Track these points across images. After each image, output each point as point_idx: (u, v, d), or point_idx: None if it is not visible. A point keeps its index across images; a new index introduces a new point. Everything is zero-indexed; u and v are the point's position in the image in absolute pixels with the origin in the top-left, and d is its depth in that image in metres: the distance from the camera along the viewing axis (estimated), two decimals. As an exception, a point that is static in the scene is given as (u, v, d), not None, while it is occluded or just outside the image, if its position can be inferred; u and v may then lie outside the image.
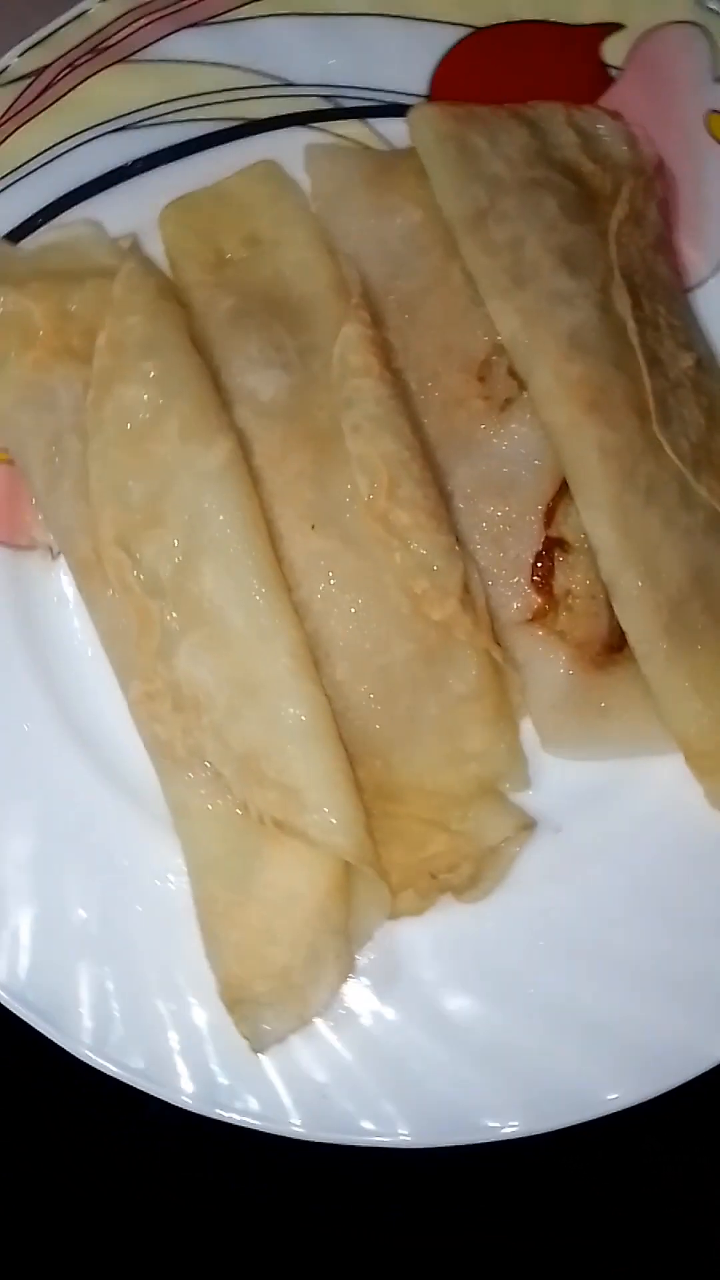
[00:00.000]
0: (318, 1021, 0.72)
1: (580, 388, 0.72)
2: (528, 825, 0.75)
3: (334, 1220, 0.82)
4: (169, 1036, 0.73)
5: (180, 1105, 0.73)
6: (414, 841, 0.73)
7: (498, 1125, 0.72)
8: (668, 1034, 0.72)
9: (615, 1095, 0.72)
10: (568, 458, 0.73)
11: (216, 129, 0.80)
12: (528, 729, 0.77)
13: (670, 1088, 0.73)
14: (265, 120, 0.80)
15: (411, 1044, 0.73)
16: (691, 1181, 0.83)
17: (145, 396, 0.73)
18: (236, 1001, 0.69)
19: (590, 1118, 0.73)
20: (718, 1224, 0.82)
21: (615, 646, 0.76)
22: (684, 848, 0.75)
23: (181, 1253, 0.83)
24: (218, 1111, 0.72)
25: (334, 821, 0.69)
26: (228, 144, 0.80)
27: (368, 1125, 0.72)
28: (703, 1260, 0.82)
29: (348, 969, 0.71)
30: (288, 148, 0.80)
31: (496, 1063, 0.73)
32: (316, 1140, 0.73)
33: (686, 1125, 0.82)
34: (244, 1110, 0.72)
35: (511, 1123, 0.72)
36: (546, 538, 0.76)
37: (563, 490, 0.75)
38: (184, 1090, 0.73)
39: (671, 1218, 0.82)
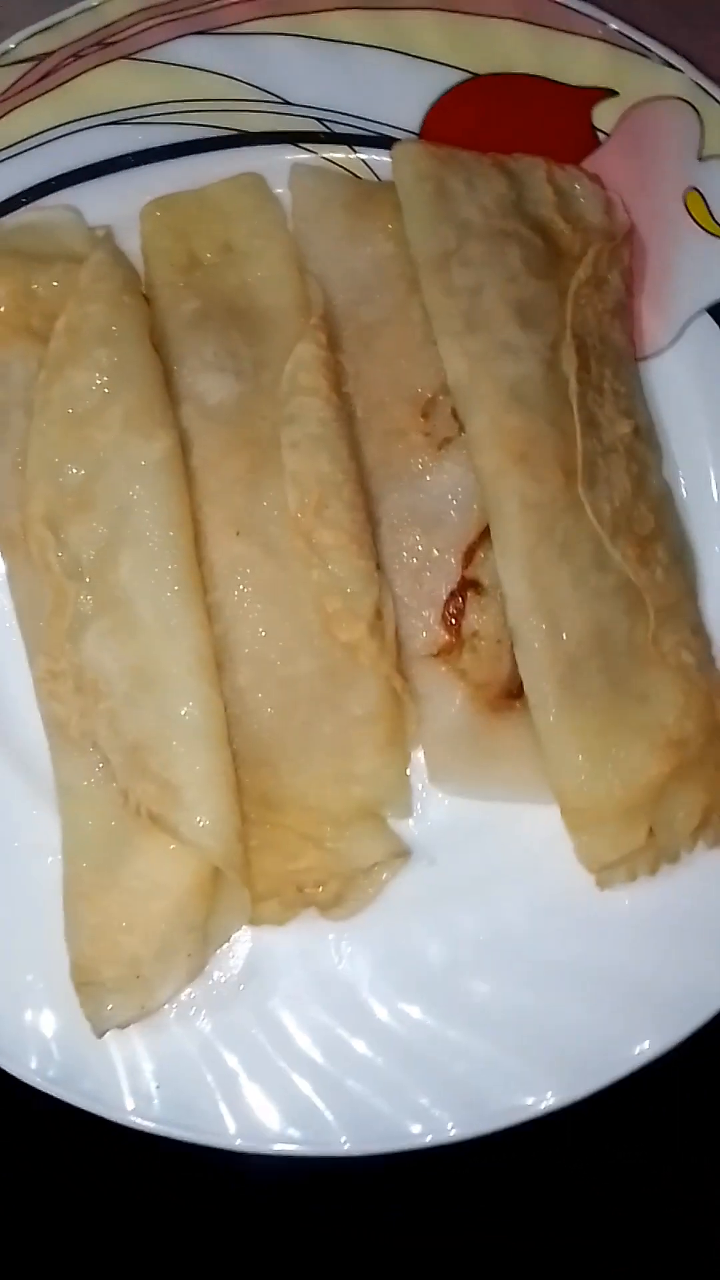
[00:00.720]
0: (166, 1013, 0.73)
1: (512, 438, 0.74)
2: (401, 853, 0.76)
3: (333, 1220, 0.84)
4: (13, 1005, 0.74)
5: (29, 1082, 0.74)
6: (287, 852, 0.75)
7: (322, 1143, 0.73)
8: (497, 1075, 0.74)
9: (447, 1127, 0.74)
10: (490, 504, 0.75)
11: (209, 135, 0.82)
12: (421, 760, 0.79)
13: (488, 1131, 0.74)
14: (257, 134, 0.82)
15: (250, 1049, 0.74)
16: (691, 1181, 0.84)
17: (94, 383, 0.75)
18: (84, 984, 0.71)
19: (414, 1146, 0.74)
20: (717, 1224, 0.84)
21: (514, 693, 0.77)
22: (549, 897, 0.76)
23: (180, 1252, 0.84)
24: (60, 1091, 0.74)
25: (205, 823, 0.71)
26: (218, 151, 0.82)
27: (198, 1123, 0.73)
28: (702, 1260, 0.84)
29: (199, 967, 0.73)
30: (275, 164, 0.82)
31: (328, 1080, 0.74)
32: (150, 1132, 0.74)
33: (686, 1125, 0.84)
34: (77, 1090, 0.73)
35: (340, 1145, 0.74)
36: (462, 577, 0.78)
37: (485, 534, 0.77)
38: (32, 1067, 0.74)
39: (671, 1218, 0.84)
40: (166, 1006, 0.73)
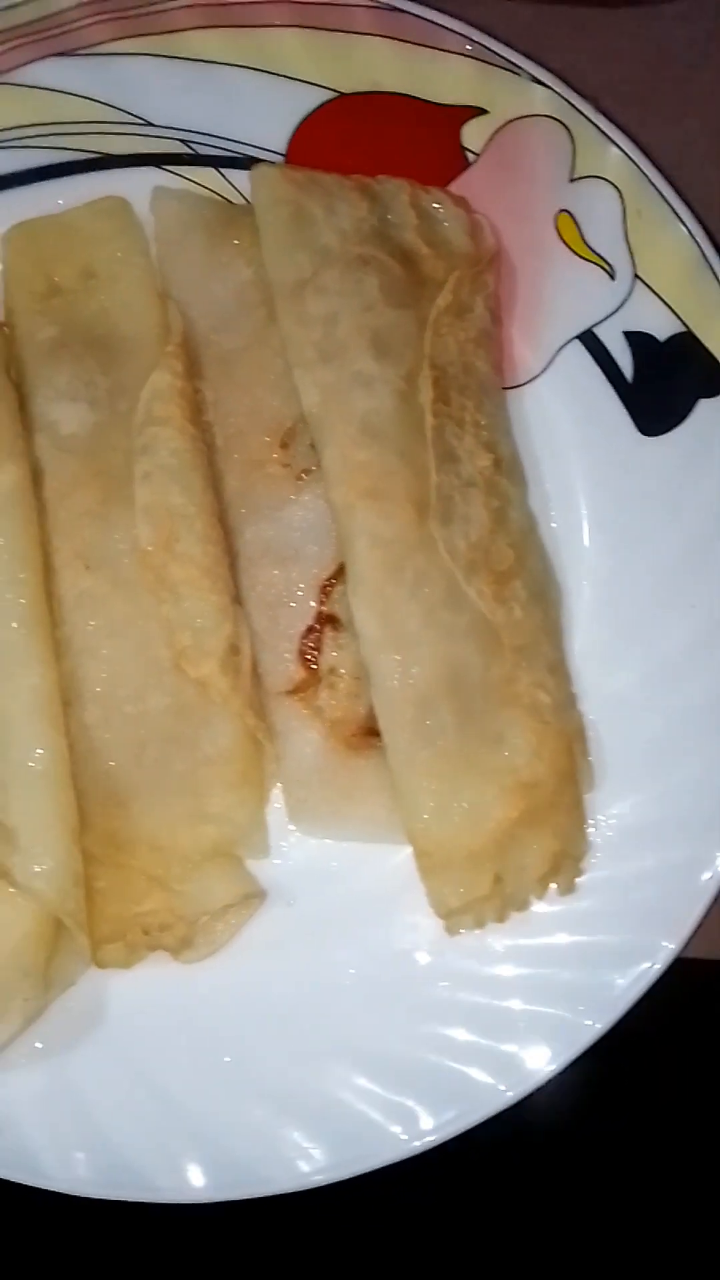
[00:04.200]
0: (5, 1057, 0.72)
1: (361, 473, 0.72)
2: (255, 894, 0.75)
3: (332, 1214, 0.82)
4: None
5: None
6: (132, 895, 0.73)
7: (172, 1185, 0.73)
8: (355, 1115, 0.73)
9: (306, 1168, 0.73)
10: (342, 540, 0.73)
11: (71, 159, 0.80)
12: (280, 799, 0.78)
13: (364, 1170, 0.73)
14: (121, 156, 0.80)
15: (95, 1092, 0.73)
16: (690, 1178, 0.84)
17: (-58, 415, 0.74)
18: None
19: (276, 1191, 0.74)
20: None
21: (373, 731, 0.75)
22: (406, 939, 0.75)
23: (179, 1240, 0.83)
24: None
25: (39, 868, 0.69)
26: (83, 175, 0.80)
27: (40, 1167, 0.72)
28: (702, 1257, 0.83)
29: (37, 1011, 0.71)
30: (140, 187, 0.80)
31: (177, 1121, 0.73)
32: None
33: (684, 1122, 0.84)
34: None
35: (192, 1181, 0.73)
36: (320, 612, 0.76)
37: (343, 569, 0.75)
38: None
39: (670, 1218, 0.84)
40: (5, 1051, 0.72)
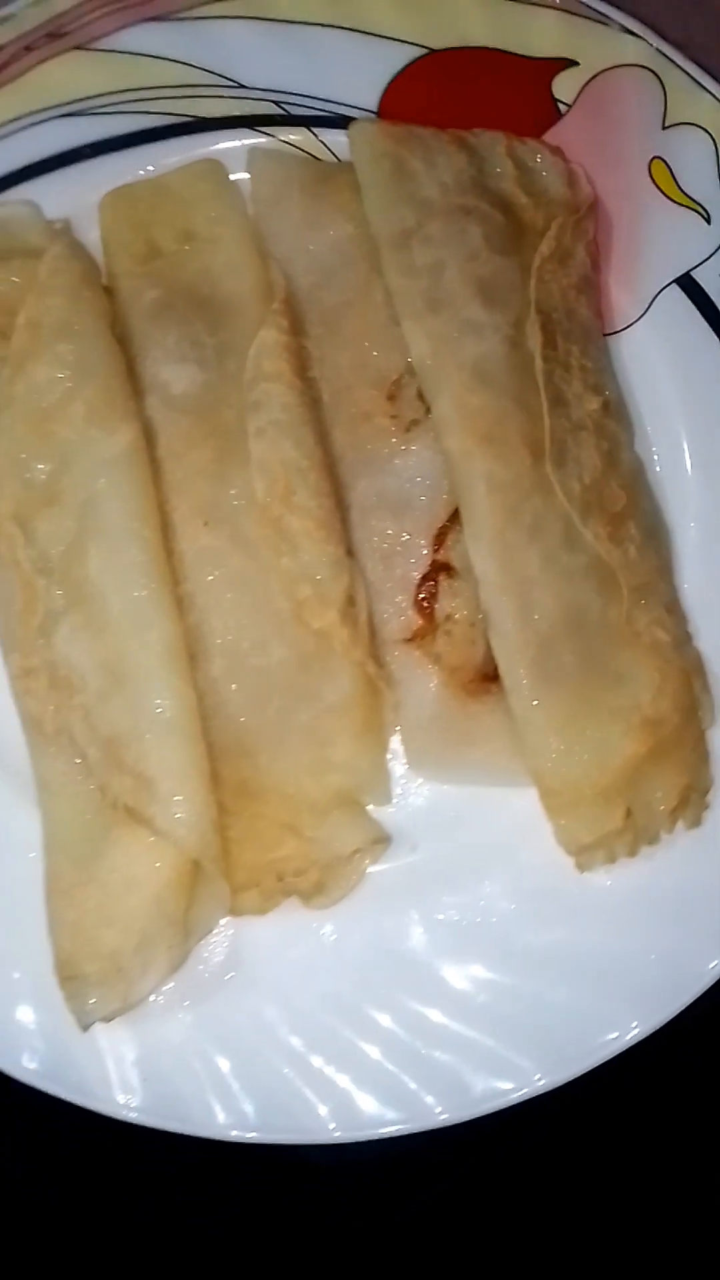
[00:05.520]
0: (151, 1005, 0.73)
1: (476, 419, 0.73)
2: (381, 839, 0.76)
3: (321, 1207, 0.84)
4: (13, 1008, 0.74)
5: (17, 1077, 0.74)
6: (266, 842, 0.75)
7: (320, 1126, 0.74)
8: (483, 1060, 0.74)
9: (408, 1119, 0.74)
10: (458, 486, 0.74)
11: (166, 123, 0.81)
12: (398, 747, 0.78)
13: (480, 1114, 0.75)
14: (214, 119, 0.81)
15: (236, 1038, 0.74)
16: (680, 1169, 0.85)
17: (56, 378, 0.75)
18: (67, 979, 0.71)
19: (407, 1132, 0.75)
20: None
21: (490, 676, 0.77)
22: (530, 880, 0.76)
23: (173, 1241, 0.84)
24: (48, 1085, 0.74)
25: (180, 815, 0.71)
26: (175, 139, 0.81)
27: (187, 1113, 0.74)
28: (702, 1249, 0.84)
29: (180, 958, 0.73)
30: (233, 149, 0.81)
31: (312, 1069, 0.74)
32: (147, 1125, 0.74)
33: (675, 1111, 0.85)
34: (65, 1084, 0.73)
35: (330, 1132, 0.74)
36: (434, 561, 0.77)
37: (455, 516, 0.76)
38: (20, 1062, 0.74)
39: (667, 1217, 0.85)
40: (151, 998, 0.73)
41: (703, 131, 0.79)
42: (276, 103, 0.81)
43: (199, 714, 0.74)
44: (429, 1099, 0.74)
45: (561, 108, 0.80)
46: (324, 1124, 0.74)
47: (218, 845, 0.72)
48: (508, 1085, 0.73)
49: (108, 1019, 0.71)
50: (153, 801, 0.71)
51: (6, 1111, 0.83)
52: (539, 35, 0.79)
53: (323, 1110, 0.74)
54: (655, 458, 0.80)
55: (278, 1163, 0.82)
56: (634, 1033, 0.73)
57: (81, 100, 0.81)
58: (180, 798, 0.71)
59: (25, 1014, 0.75)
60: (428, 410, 0.76)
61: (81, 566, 0.74)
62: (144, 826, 0.71)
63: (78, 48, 0.80)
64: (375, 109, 0.81)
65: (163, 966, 0.71)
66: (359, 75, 0.80)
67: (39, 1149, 0.85)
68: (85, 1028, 0.71)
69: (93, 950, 0.71)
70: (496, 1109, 0.74)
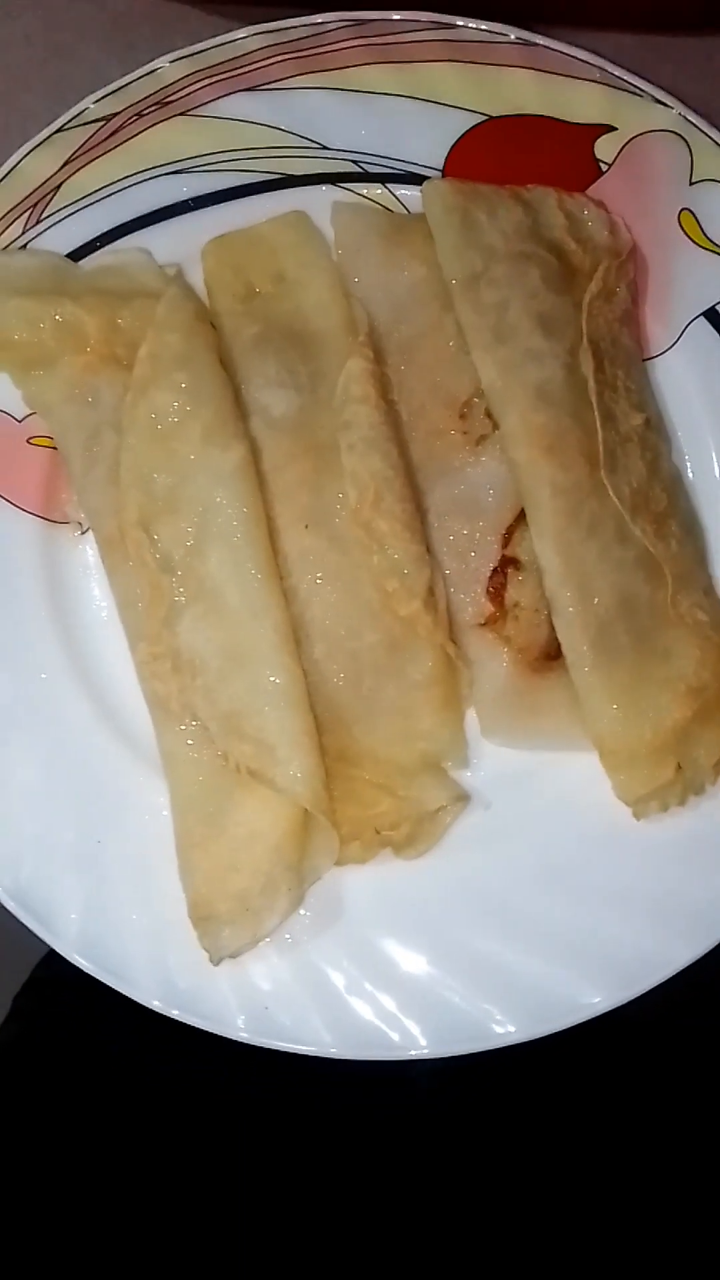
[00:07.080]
0: (266, 943, 0.85)
1: (541, 434, 0.85)
2: (462, 797, 0.88)
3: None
4: (141, 944, 0.86)
5: (145, 1004, 0.86)
6: (365, 801, 0.86)
7: (406, 1047, 0.85)
8: (554, 984, 0.86)
9: (512, 1029, 0.85)
10: (525, 491, 0.86)
11: (258, 180, 0.93)
12: (472, 717, 0.90)
13: (548, 1032, 0.86)
14: (300, 176, 0.93)
15: (340, 971, 0.86)
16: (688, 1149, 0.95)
17: (175, 403, 0.86)
18: (201, 919, 0.82)
19: (489, 1047, 0.86)
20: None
21: (552, 655, 0.89)
22: (591, 829, 0.88)
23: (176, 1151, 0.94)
24: (175, 1013, 0.85)
25: (298, 775, 0.82)
26: (266, 194, 0.93)
27: (300, 1035, 0.85)
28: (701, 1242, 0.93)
29: (298, 900, 0.84)
30: (317, 202, 0.93)
31: (408, 994, 0.86)
32: (257, 1045, 0.85)
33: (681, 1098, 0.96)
34: (198, 1013, 0.85)
35: (422, 1048, 0.85)
36: (503, 556, 0.89)
37: (520, 517, 0.88)
38: (150, 991, 0.86)
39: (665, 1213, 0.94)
40: (267, 940, 0.84)
41: (724, 186, 0.92)
42: (355, 162, 0.93)
43: (306, 689, 0.85)
44: (509, 1017, 0.85)
45: (603, 166, 0.93)
46: (417, 1041, 0.85)
47: (328, 801, 0.83)
48: (578, 1004, 0.85)
49: (237, 954, 0.83)
50: (274, 764, 0.82)
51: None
52: (582, 104, 0.91)
53: (417, 1029, 0.85)
54: (689, 465, 0.92)
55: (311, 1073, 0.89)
56: (685, 956, 0.85)
57: (185, 160, 0.92)
58: (296, 760, 0.82)
59: (163, 955, 0.85)
60: (495, 426, 0.88)
61: (202, 565, 0.85)
62: (266, 786, 0.82)
63: (181, 114, 0.92)
64: (441, 168, 0.93)
65: (284, 906, 0.83)
66: (427, 138, 0.92)
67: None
68: (217, 961, 0.82)
69: (224, 892, 0.82)
70: (568, 1026, 0.85)
